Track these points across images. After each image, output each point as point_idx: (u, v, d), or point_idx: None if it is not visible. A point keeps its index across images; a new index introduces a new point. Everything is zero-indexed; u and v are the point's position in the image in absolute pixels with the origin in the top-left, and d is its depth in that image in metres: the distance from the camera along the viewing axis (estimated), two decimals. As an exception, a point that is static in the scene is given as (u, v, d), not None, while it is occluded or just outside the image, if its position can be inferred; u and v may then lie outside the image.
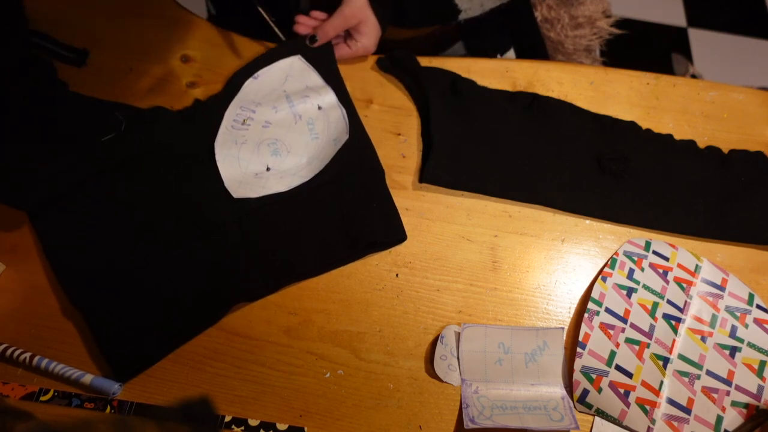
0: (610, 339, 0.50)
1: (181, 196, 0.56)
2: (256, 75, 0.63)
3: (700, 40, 1.64)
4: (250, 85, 0.62)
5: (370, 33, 0.64)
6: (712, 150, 0.61)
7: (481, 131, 0.61)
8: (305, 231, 0.55)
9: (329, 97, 0.62)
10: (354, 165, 0.58)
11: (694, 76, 1.46)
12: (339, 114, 0.61)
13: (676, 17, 1.69)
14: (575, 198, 0.58)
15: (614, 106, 0.64)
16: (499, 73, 0.66)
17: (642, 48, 1.60)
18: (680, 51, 1.61)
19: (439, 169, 0.58)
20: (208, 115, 0.61)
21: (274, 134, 0.60)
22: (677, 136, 0.62)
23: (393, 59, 0.65)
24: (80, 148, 0.58)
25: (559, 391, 0.49)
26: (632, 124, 0.62)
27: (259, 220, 0.55)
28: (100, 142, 0.58)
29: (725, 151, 0.61)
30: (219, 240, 0.54)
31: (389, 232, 0.56)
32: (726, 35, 1.66)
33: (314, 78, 0.64)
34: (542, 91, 0.65)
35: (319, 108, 0.62)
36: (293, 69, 0.64)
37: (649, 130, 0.62)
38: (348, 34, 0.66)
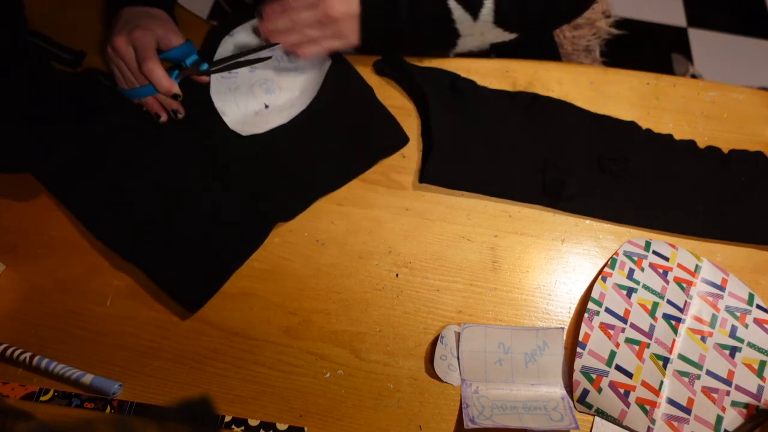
0: (610, 339, 0.50)
1: (198, 146, 0.60)
2: (231, 33, 0.65)
3: (700, 40, 1.64)
4: (227, 42, 0.65)
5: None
6: (712, 150, 0.61)
7: (481, 131, 0.61)
8: (318, 150, 0.60)
9: None
10: (343, 86, 0.63)
11: (694, 76, 1.46)
12: None
13: (676, 17, 1.69)
14: (575, 198, 0.58)
15: (614, 106, 0.64)
16: (499, 73, 0.66)
17: (642, 48, 1.60)
18: (680, 51, 1.61)
19: (439, 169, 0.58)
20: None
21: (263, 75, 0.63)
22: (677, 136, 0.62)
23: (388, 61, 0.65)
24: (81, 113, 0.61)
25: (559, 391, 0.49)
26: (632, 124, 0.62)
27: (273, 150, 0.60)
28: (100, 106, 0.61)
29: (725, 151, 0.61)
30: (243, 176, 0.58)
31: (393, 136, 0.61)
32: (726, 35, 1.66)
33: None
34: (542, 91, 0.65)
35: None
36: None
37: (649, 130, 0.62)
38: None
